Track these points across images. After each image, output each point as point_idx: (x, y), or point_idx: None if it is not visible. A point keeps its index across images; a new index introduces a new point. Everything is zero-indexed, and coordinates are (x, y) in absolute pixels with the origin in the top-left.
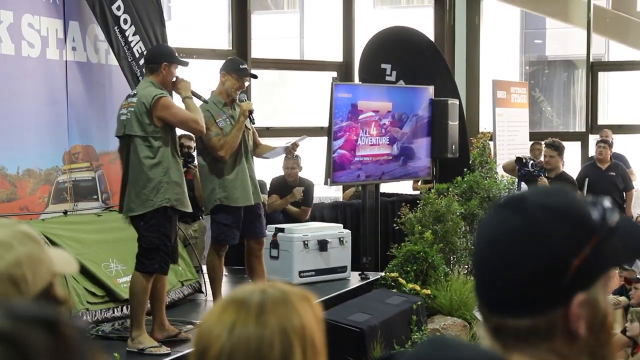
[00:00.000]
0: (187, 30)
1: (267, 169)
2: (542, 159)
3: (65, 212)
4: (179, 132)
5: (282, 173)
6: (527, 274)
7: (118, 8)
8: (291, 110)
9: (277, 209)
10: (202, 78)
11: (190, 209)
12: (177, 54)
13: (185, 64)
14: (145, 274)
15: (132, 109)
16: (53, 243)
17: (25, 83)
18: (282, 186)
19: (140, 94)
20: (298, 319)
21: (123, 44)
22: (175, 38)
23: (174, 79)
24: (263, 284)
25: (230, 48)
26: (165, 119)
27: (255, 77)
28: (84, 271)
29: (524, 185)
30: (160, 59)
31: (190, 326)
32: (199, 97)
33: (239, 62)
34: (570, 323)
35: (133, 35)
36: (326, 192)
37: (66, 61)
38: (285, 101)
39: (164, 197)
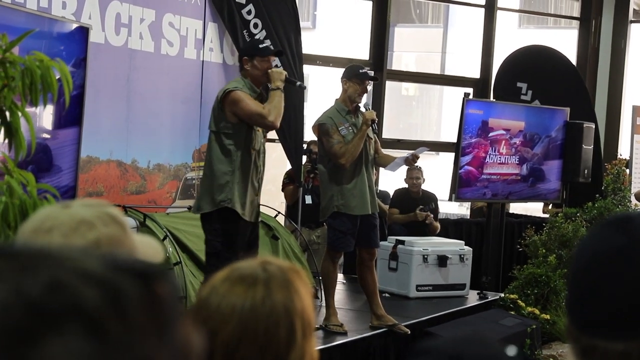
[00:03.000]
0: (331, 39)
1: (390, 180)
2: None
3: (189, 208)
4: (309, 137)
5: (404, 185)
6: (626, 296)
7: (249, 12)
8: (429, 124)
9: (397, 222)
10: (338, 86)
11: (252, 219)
12: (260, 46)
13: (270, 52)
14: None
15: (213, 105)
16: (174, 237)
17: (162, 80)
18: (404, 199)
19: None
20: (299, 301)
21: None
22: (317, 46)
23: (268, 72)
24: (260, 258)
25: (368, 59)
26: (236, 114)
27: (376, 79)
28: (202, 267)
29: None
30: (240, 56)
31: None
32: (293, 83)
33: (358, 67)
34: None
35: (264, 39)
36: (452, 209)
37: (202, 61)
38: (425, 115)
39: (226, 197)
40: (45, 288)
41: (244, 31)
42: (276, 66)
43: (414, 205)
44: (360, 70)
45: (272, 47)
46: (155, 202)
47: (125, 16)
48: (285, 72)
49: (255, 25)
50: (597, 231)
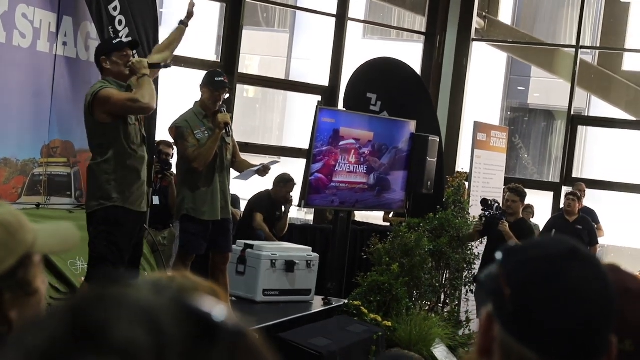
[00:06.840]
0: None
1: (242, 183)
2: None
3: (37, 205)
4: (158, 138)
5: (260, 189)
6: (594, 323)
7: (115, 8)
8: (272, 129)
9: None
10: (190, 87)
11: (144, 208)
12: (114, 42)
13: (125, 44)
14: None
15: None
16: None
17: (12, 72)
18: (268, 204)
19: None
20: None
21: None
22: None
23: (130, 65)
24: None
25: (219, 60)
26: (111, 112)
27: (230, 87)
28: (50, 266)
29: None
30: (98, 57)
31: None
32: (157, 66)
33: (215, 75)
34: None
35: (126, 37)
36: (296, 214)
37: (55, 55)
38: (268, 119)
39: (110, 196)
40: (103, 319)
41: (110, 27)
42: (133, 56)
43: (274, 209)
44: (216, 79)
45: (124, 40)
46: (0, 197)
47: None
48: (145, 60)
49: (120, 22)
50: (576, 267)
